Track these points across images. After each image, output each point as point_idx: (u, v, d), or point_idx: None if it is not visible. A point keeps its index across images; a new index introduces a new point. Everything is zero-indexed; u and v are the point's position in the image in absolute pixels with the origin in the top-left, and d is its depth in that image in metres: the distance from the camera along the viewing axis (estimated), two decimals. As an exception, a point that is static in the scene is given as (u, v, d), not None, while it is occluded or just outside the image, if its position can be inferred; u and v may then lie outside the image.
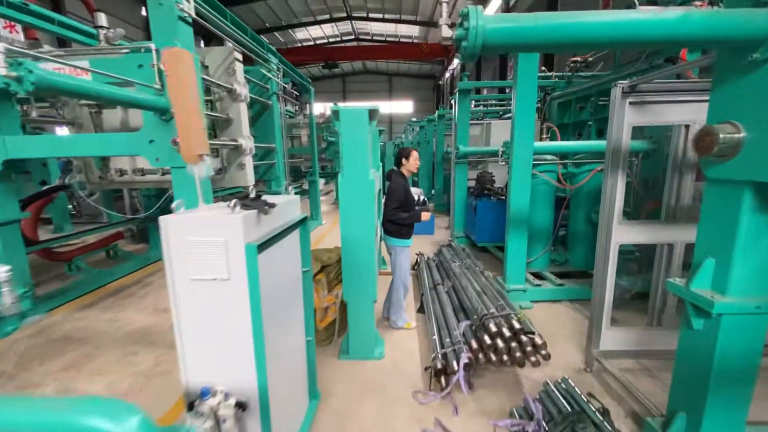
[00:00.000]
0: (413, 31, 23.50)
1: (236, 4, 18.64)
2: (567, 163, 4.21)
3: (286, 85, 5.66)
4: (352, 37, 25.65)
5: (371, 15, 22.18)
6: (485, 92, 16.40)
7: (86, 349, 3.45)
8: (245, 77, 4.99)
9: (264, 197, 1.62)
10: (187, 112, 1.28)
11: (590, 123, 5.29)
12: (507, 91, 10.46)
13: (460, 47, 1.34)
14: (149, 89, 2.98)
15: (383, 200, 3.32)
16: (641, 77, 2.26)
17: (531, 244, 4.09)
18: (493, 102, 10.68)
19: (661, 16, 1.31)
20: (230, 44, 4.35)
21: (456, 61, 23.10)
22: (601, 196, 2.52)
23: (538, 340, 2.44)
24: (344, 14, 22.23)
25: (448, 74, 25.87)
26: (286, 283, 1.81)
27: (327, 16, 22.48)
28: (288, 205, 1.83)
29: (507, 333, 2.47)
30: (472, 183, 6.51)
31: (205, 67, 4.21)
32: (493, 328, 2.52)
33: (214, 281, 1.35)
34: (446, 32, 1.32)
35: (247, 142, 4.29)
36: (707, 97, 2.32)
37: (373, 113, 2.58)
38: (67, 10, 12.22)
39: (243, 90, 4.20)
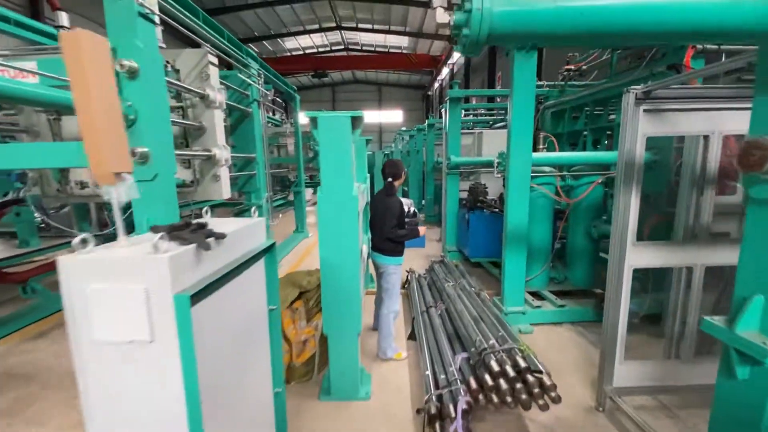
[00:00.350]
0: (402, 41, 23.58)
1: (224, 12, 18.42)
2: (565, 175, 3.97)
3: (268, 92, 5.35)
4: (342, 46, 25.59)
5: (360, 25, 22.17)
6: (474, 101, 16.38)
7: (30, 389, 2.99)
8: (223, 83, 4.67)
9: (212, 224, 1.28)
10: (94, 115, 0.95)
11: (586, 133, 5.10)
12: (498, 99, 10.37)
13: (459, 36, 1.04)
14: (104, 93, 2.64)
15: (382, 217, 3.04)
16: (656, 82, 2.02)
17: (528, 261, 3.81)
18: (483, 111, 10.56)
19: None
20: (207, 47, 4.03)
21: (445, 72, 23.21)
22: (613, 215, 2.25)
23: (547, 381, 2.13)
24: (334, 24, 22.17)
25: (437, 84, 25.99)
26: (244, 330, 1.45)
27: (316, 26, 22.39)
28: (249, 230, 1.49)
29: (511, 372, 2.15)
30: (464, 194, 6.26)
31: (176, 71, 3.88)
32: (495, 367, 2.19)
33: (132, 344, 1.00)
34: (441, 17, 1.03)
35: (222, 152, 3.94)
36: (732, 105, 2.13)
37: (356, 120, 2.27)
38: (45, 16, 11.74)
39: (218, 96, 3.87)
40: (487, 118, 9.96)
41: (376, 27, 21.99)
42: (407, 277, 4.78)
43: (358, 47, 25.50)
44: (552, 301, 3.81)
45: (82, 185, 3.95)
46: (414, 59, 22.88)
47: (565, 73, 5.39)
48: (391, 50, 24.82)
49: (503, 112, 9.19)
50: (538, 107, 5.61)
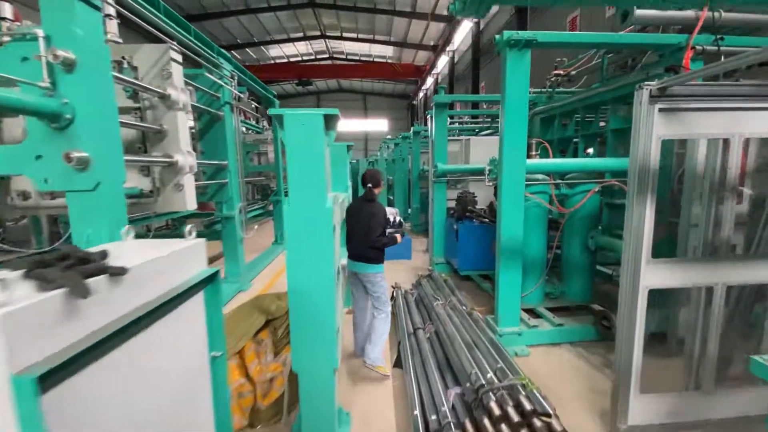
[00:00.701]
0: (387, 51, 23.61)
1: (206, 18, 18.01)
2: (560, 183, 3.73)
3: (242, 95, 4.98)
4: (327, 55, 25.43)
5: (345, 34, 22.08)
6: (458, 107, 16.35)
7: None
8: (190, 83, 4.28)
9: (120, 251, 0.91)
10: None
11: (576, 140, 4.94)
12: (485, 106, 10.29)
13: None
14: (35, 88, 2.26)
15: (367, 223, 2.96)
16: (671, 78, 1.77)
17: (522, 275, 3.51)
18: (467, 119, 10.44)
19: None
20: (174, 45, 3.67)
21: (429, 81, 23.30)
22: (625, 228, 1.97)
23: (557, 426, 1.80)
24: (318, 32, 22.01)
25: (421, 94, 26.09)
26: (169, 393, 1.07)
27: (301, 34, 22.18)
28: (178, 257, 1.13)
29: (515, 417, 1.82)
30: (452, 203, 5.99)
31: (134, 69, 3.48)
32: (496, 410, 1.86)
33: (-60, 457, 0.62)
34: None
35: (186, 159, 3.55)
36: (756, 105, 1.91)
37: (330, 119, 1.94)
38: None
39: (181, 96, 3.48)
40: (473, 126, 9.84)
41: (360, 36, 21.94)
42: (393, 293, 4.43)
43: (343, 56, 25.40)
44: (549, 319, 3.52)
45: (25, 196, 3.47)
46: (399, 68, 22.92)
47: (553, 78, 5.25)
48: (376, 59, 24.81)
49: (489, 119, 9.08)
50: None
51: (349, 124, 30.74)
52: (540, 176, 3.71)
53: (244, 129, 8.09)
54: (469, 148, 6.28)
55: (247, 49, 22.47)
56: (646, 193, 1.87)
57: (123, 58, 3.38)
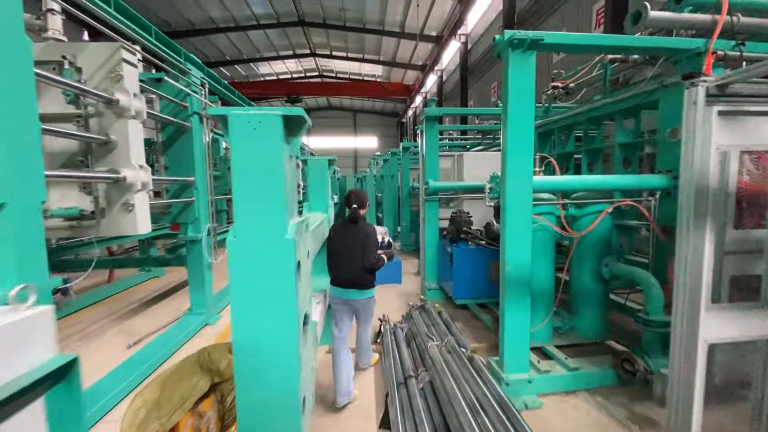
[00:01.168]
0: (376, 70, 23.75)
1: (194, 35, 17.79)
2: (567, 203, 3.33)
3: (213, 104, 4.52)
4: (316, 73, 25.44)
5: (335, 53, 22.15)
6: (446, 121, 16.23)
7: None
8: (151, 90, 3.81)
9: None
10: None
11: (578, 156, 4.60)
12: (477, 120, 10.08)
13: None
14: None
15: (362, 245, 2.72)
16: (733, 73, 1.38)
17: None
18: (456, 135, 10.20)
19: None
20: (137, 47, 3.23)
21: (418, 100, 23.39)
22: (677, 265, 1.53)
23: None
24: (308, 51, 22.02)
25: (410, 112, 26.17)
26: None
27: (290, 52, 22.17)
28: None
29: None
30: (444, 223, 5.55)
31: (78, 70, 3.00)
32: None
33: None
34: None
35: (137, 174, 3.03)
36: None
37: (293, 123, 1.48)
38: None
39: (133, 102, 3.00)
40: (463, 142, 9.58)
41: (350, 55, 22.04)
42: (380, 327, 3.89)
43: (333, 74, 25.46)
44: (562, 361, 3.01)
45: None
46: (388, 87, 23.02)
47: (550, 91, 4.96)
48: (366, 78, 24.92)
49: (480, 135, 8.82)
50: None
51: (338, 141, 30.77)
52: (545, 195, 3.30)
53: (228, 144, 7.62)
54: (463, 164, 5.90)
55: (236, 66, 22.33)
56: (705, 220, 1.44)
57: (64, 57, 2.90)
